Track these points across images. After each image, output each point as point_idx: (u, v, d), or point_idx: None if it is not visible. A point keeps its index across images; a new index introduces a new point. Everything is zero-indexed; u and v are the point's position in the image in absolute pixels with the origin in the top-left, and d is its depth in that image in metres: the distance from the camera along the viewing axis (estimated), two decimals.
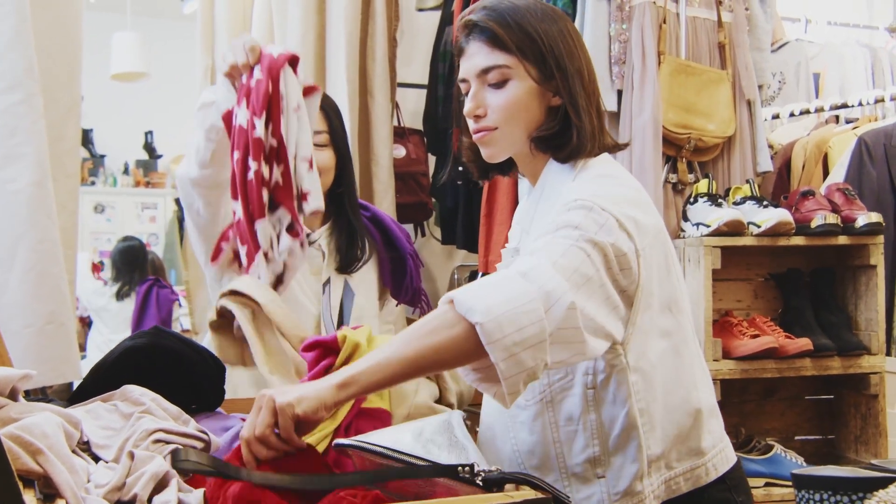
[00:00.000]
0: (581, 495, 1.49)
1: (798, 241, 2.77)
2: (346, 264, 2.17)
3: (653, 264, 1.47)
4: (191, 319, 5.69)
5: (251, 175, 1.69)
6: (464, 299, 1.25)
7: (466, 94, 1.58)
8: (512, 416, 1.54)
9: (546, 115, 1.54)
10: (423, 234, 3.94)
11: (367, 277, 2.22)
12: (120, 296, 5.43)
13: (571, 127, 1.52)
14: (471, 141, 1.62)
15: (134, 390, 1.27)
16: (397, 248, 2.26)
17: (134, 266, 5.52)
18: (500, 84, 1.52)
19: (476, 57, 1.54)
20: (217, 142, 1.87)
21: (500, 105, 1.52)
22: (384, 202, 3.42)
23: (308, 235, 2.22)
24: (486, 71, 1.53)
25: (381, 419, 1.49)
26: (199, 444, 1.16)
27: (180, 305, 5.59)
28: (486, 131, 1.55)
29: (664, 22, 2.97)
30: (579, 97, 1.52)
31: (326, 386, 1.18)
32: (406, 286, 2.27)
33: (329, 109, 2.16)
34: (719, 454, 1.57)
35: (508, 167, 1.68)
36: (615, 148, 1.62)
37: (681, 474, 1.52)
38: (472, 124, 1.57)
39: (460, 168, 3.44)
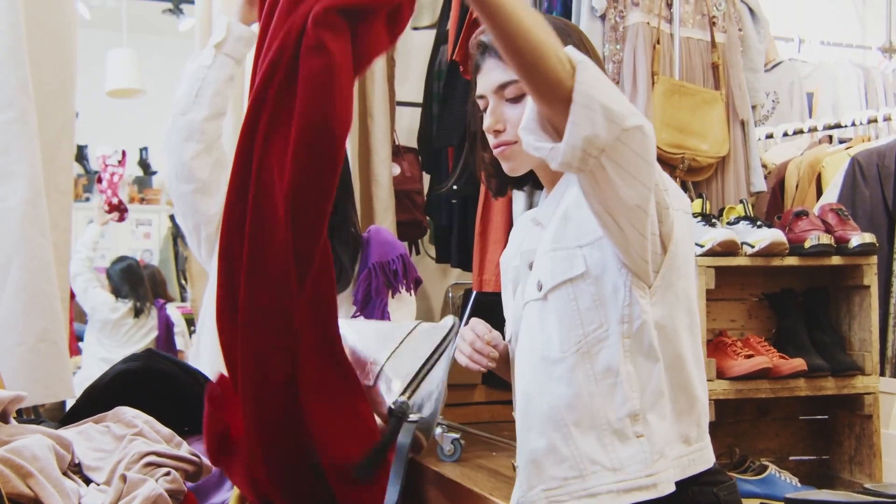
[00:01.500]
0: (624, 454, 1.47)
1: (792, 261, 2.77)
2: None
3: (685, 233, 1.50)
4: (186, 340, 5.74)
5: None
6: (577, 54, 1.28)
7: (484, 110, 1.61)
8: (547, 373, 1.52)
9: None
10: (418, 253, 3.94)
11: (343, 304, 2.24)
12: (138, 313, 5.51)
13: None
14: (490, 156, 1.66)
15: (127, 412, 1.27)
16: (365, 264, 2.26)
17: (138, 284, 5.59)
18: (517, 98, 1.56)
19: (492, 73, 1.58)
20: (203, 79, 2.02)
21: (518, 119, 1.53)
22: (385, 222, 3.44)
23: None
24: (503, 86, 1.56)
25: None
26: (191, 468, 1.15)
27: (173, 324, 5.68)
28: (506, 145, 1.58)
29: (658, 42, 2.98)
30: None
31: None
32: (366, 299, 2.25)
33: None
34: (699, 451, 1.56)
35: (525, 181, 1.71)
36: None
37: (675, 459, 1.52)
38: (491, 139, 1.60)
39: (454, 187, 3.45)
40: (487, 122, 1.59)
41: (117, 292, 5.53)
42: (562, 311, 1.51)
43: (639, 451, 1.47)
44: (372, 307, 2.23)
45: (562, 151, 1.28)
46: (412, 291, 2.27)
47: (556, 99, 1.27)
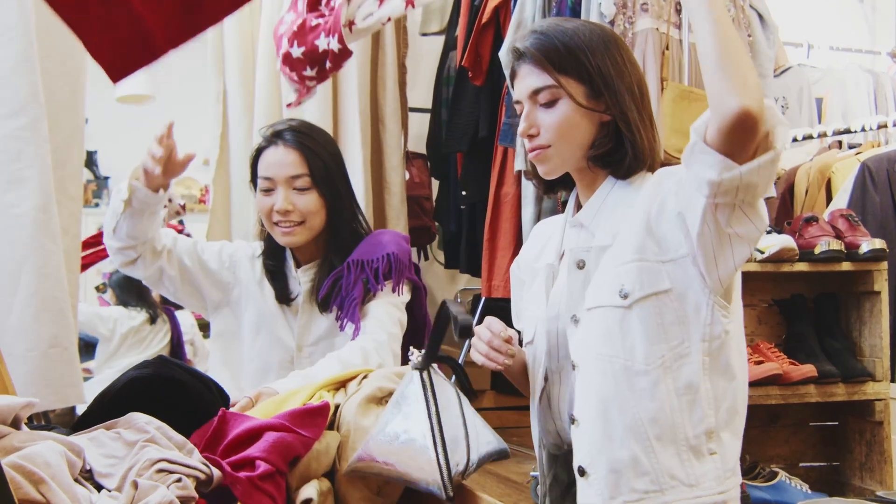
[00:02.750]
0: (699, 471, 1.49)
1: (802, 267, 2.76)
2: (322, 304, 2.19)
3: None
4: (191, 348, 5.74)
5: None
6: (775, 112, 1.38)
7: (520, 114, 1.65)
8: (631, 384, 1.52)
9: (598, 131, 1.61)
10: (427, 258, 3.94)
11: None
12: (153, 320, 5.52)
13: (625, 142, 1.59)
14: None
15: (139, 418, 1.27)
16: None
17: (143, 291, 5.58)
18: (550, 104, 1.60)
19: (527, 79, 1.62)
20: (118, 217, 2.04)
21: (550, 124, 1.59)
22: (396, 228, 3.44)
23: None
24: (536, 92, 1.60)
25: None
26: (203, 476, 1.15)
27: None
28: (540, 149, 1.62)
29: (667, 48, 2.97)
30: (629, 112, 1.59)
31: None
32: (334, 297, 2.20)
33: (308, 151, 2.11)
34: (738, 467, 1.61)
35: (568, 182, 1.74)
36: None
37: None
38: (526, 143, 1.64)
39: (464, 193, 3.45)
40: (521, 126, 1.63)
41: (125, 303, 5.53)
42: (647, 323, 1.52)
43: (712, 468, 1.50)
44: (344, 305, 2.18)
45: (731, 172, 1.34)
46: (399, 291, 2.20)
47: (749, 139, 1.34)
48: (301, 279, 2.24)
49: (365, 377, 1.60)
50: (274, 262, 2.28)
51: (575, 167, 1.65)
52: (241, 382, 2.26)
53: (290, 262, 2.27)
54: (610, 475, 1.49)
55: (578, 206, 1.70)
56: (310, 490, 1.37)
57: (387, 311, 2.13)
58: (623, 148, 1.59)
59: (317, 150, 2.14)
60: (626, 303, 1.52)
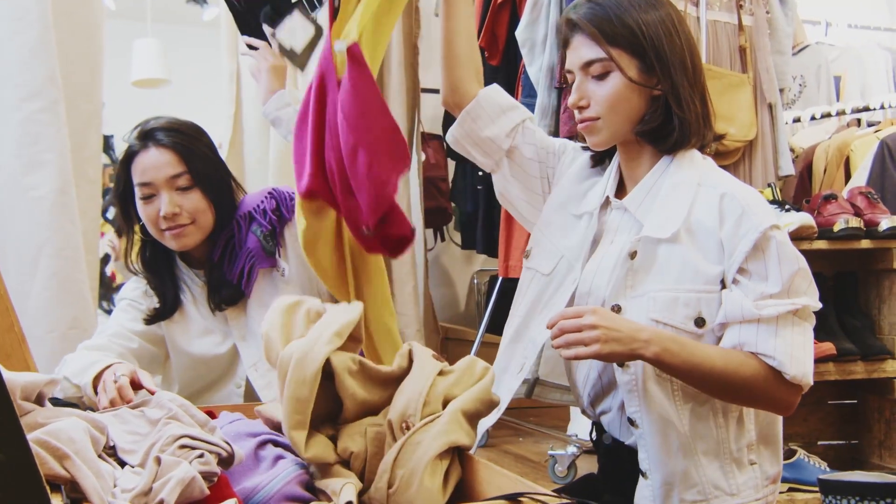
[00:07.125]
0: (740, 480, 1.56)
1: (821, 245, 2.75)
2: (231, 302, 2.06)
3: None
4: None
5: None
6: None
7: (571, 84, 1.64)
8: (687, 405, 1.57)
9: (649, 105, 1.59)
10: (443, 239, 3.94)
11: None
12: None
13: (673, 117, 1.57)
14: None
15: (164, 396, 1.29)
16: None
17: (106, 288, 5.45)
18: (601, 76, 1.58)
19: (580, 50, 1.60)
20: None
21: (601, 96, 1.58)
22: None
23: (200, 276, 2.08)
24: (588, 64, 1.59)
25: None
26: (224, 454, 1.16)
27: None
28: (589, 121, 1.61)
29: None
30: (680, 87, 1.57)
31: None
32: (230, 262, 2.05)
33: (183, 148, 2.00)
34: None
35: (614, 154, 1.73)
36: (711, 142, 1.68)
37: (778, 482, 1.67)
38: (576, 115, 1.64)
39: (480, 173, 3.45)
40: (572, 98, 1.62)
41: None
42: None
43: (752, 477, 1.57)
44: (239, 258, 2.04)
45: None
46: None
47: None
48: (198, 281, 2.10)
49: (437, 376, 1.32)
50: (166, 266, 2.10)
51: (623, 140, 1.64)
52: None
53: (181, 266, 2.12)
54: (664, 486, 1.54)
55: (620, 177, 1.69)
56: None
57: None
58: (671, 124, 1.58)
59: (191, 145, 2.02)
60: (699, 331, 1.54)
